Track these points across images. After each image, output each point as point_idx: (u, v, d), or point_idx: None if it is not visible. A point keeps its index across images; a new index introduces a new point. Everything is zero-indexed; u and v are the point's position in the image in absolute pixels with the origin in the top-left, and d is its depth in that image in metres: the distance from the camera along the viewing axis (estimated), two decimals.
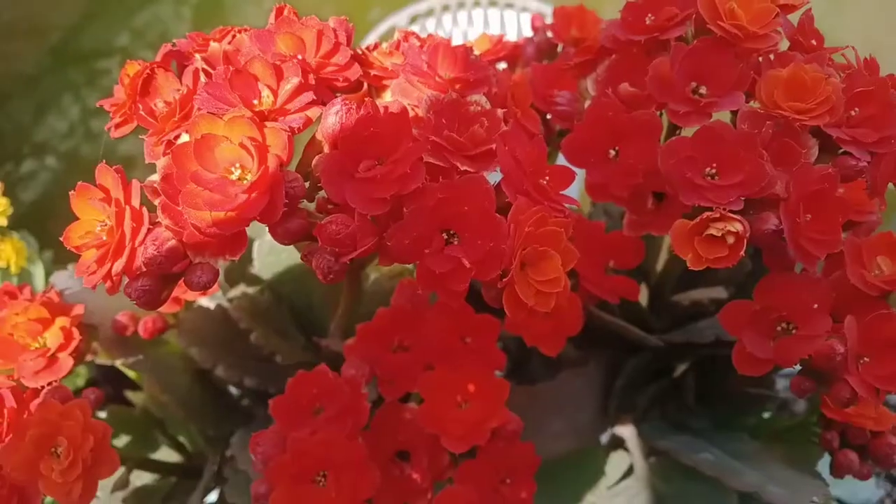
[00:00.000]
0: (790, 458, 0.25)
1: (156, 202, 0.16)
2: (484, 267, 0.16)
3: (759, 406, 0.27)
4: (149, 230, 0.15)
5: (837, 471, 0.24)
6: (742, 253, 0.17)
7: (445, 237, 0.16)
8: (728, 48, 0.18)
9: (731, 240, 0.17)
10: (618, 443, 0.28)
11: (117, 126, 0.19)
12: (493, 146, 0.17)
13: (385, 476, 0.19)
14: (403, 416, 0.20)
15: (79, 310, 0.22)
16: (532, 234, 0.16)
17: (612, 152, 0.19)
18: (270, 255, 0.28)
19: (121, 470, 0.27)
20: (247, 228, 0.15)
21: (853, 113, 0.18)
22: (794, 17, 0.22)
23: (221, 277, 0.30)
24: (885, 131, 0.18)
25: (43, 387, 0.21)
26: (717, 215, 0.17)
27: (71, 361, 0.21)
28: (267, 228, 0.29)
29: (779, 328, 0.18)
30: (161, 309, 0.25)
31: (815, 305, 0.18)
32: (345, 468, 0.18)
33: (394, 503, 0.19)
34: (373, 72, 0.19)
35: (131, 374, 0.30)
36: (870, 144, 0.18)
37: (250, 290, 0.27)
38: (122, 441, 0.29)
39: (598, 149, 0.19)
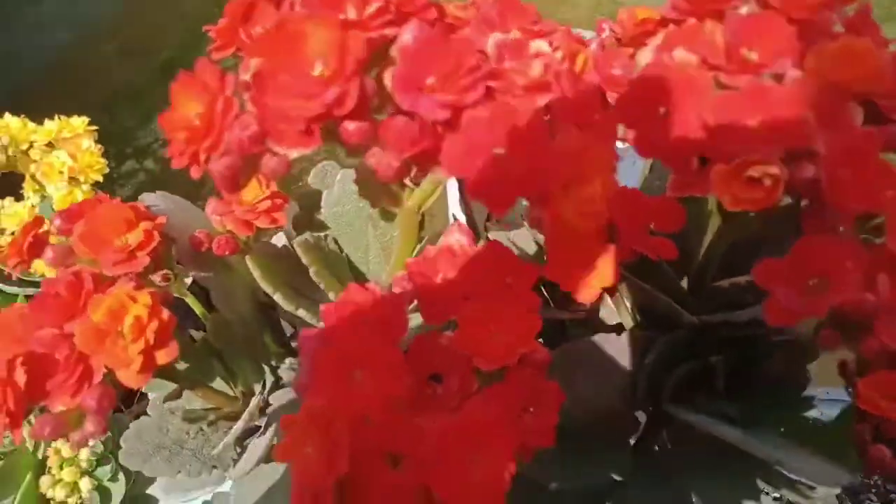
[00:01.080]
0: (820, 452, 0.25)
1: (245, 97, 0.18)
2: (527, 181, 0.17)
3: (791, 403, 0.27)
4: (236, 116, 0.17)
5: (869, 467, 0.24)
6: (778, 195, 0.17)
7: (496, 151, 0.17)
8: (781, 18, 0.20)
9: (768, 181, 0.18)
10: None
11: (217, 49, 0.22)
12: (548, 80, 0.18)
13: (418, 394, 0.20)
14: (439, 343, 0.22)
15: (162, 219, 0.25)
16: (577, 156, 0.17)
17: (662, 110, 0.21)
18: (337, 206, 0.30)
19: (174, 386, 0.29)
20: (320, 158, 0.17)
21: None
22: None
23: (289, 225, 0.33)
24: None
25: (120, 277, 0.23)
26: (757, 157, 0.17)
27: (147, 259, 0.23)
28: (337, 178, 0.31)
29: (811, 283, 0.19)
30: (234, 231, 0.27)
31: (849, 264, 0.18)
32: (380, 368, 0.19)
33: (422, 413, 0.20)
34: (447, 20, 0.21)
35: (198, 309, 0.32)
36: None
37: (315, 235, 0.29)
38: (180, 366, 0.32)
39: (648, 106, 0.21)
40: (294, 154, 0.18)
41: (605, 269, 0.22)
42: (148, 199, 0.28)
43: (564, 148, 0.17)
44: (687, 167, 0.21)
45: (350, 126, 0.17)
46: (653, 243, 0.23)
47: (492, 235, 0.30)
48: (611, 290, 0.24)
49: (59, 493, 0.40)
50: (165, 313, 0.22)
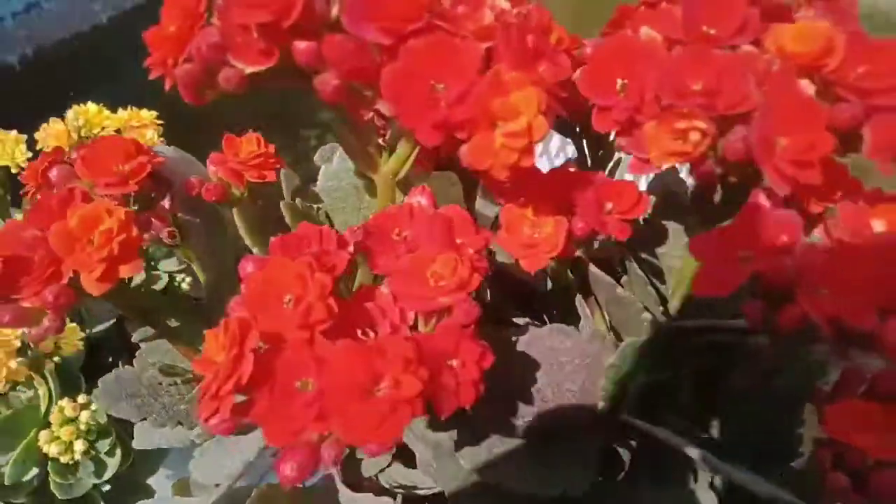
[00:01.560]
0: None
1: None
2: (457, 108, 0.18)
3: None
4: (202, 28, 0.19)
5: (827, 497, 0.21)
6: (703, 150, 0.17)
7: (431, 83, 0.18)
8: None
9: (694, 136, 0.17)
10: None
11: None
12: (494, 29, 0.19)
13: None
14: (378, 294, 0.22)
15: (159, 159, 0.27)
16: (504, 92, 0.18)
17: (619, 83, 0.21)
18: (332, 181, 0.31)
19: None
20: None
21: (860, 70, 0.18)
22: None
23: (288, 194, 0.34)
24: (886, 81, 0.18)
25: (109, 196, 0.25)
26: (685, 111, 0.17)
27: (136, 187, 0.25)
28: (336, 154, 0.33)
29: (741, 255, 0.18)
30: (227, 180, 0.29)
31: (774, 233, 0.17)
32: (307, 294, 0.20)
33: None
34: None
35: (201, 277, 0.34)
36: (867, 91, 0.18)
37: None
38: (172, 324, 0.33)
39: (607, 79, 0.21)
40: (249, 69, 0.19)
41: (551, 239, 0.22)
42: (158, 147, 0.31)
43: (495, 82, 0.18)
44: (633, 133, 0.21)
45: (300, 45, 0.19)
46: (607, 220, 0.22)
47: (477, 206, 0.30)
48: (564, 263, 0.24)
49: (53, 448, 0.41)
50: (135, 231, 0.23)
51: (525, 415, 0.27)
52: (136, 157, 0.26)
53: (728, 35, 0.19)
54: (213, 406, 0.19)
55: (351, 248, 0.22)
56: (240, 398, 0.19)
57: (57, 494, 0.45)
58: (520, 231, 0.22)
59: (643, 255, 0.29)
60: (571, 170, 0.24)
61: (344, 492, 0.30)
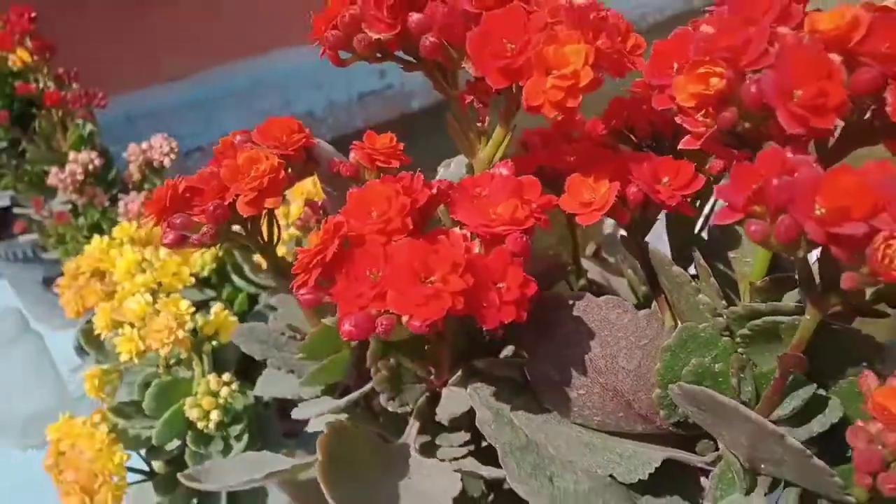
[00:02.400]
0: None
1: None
2: (519, 56, 0.22)
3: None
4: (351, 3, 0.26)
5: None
6: (723, 95, 0.20)
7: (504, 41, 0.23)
8: None
9: (714, 81, 0.20)
10: None
11: None
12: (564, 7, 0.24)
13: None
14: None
15: (314, 140, 0.34)
16: (558, 48, 0.22)
17: (675, 66, 0.24)
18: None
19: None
20: None
21: (882, 41, 0.20)
22: None
23: None
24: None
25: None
26: (706, 59, 0.20)
27: (292, 152, 0.32)
28: (453, 161, 0.38)
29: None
30: (361, 162, 0.35)
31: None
32: (389, 209, 0.25)
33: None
34: None
35: None
36: (888, 58, 0.20)
37: None
38: None
39: (665, 64, 0.24)
40: (376, 35, 0.26)
41: (607, 195, 0.25)
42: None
43: (551, 35, 0.22)
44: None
45: (413, 16, 0.25)
46: (660, 189, 0.25)
47: None
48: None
49: (193, 413, 0.48)
50: (282, 175, 0.30)
51: (578, 386, 0.28)
52: (298, 133, 0.33)
53: (769, 21, 0.22)
54: (304, 278, 0.24)
55: (434, 191, 0.27)
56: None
57: (189, 463, 0.51)
58: (580, 193, 0.26)
59: (720, 266, 0.30)
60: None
61: (415, 456, 0.33)
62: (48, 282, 1.09)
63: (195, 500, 0.54)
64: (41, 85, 0.96)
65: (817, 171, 0.18)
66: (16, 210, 1.16)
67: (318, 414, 0.33)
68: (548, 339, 0.28)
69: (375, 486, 0.29)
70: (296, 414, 0.34)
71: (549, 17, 0.23)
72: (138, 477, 0.54)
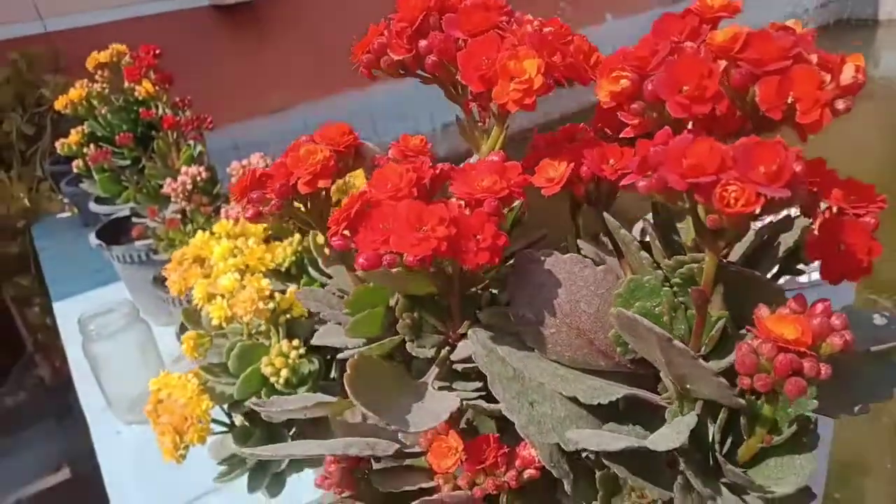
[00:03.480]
0: None
1: None
2: (491, 68, 0.31)
3: None
4: (383, 33, 0.36)
5: None
6: (631, 94, 0.27)
7: (484, 59, 0.32)
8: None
9: (623, 82, 0.28)
10: None
11: None
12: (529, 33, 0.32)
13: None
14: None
15: (361, 142, 0.43)
16: (518, 56, 0.30)
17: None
18: None
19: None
20: None
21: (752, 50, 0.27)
22: None
23: None
24: (766, 55, 0.26)
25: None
26: (619, 66, 0.28)
27: (342, 149, 0.42)
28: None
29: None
30: (397, 157, 0.44)
31: None
32: (398, 184, 0.33)
33: None
34: None
35: None
36: (755, 61, 0.27)
37: None
38: None
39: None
40: (397, 57, 0.35)
41: (564, 173, 0.33)
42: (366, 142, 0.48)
43: (513, 53, 0.31)
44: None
45: (422, 42, 0.34)
46: (605, 169, 0.32)
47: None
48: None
49: (267, 370, 0.58)
50: (332, 164, 0.40)
51: (549, 326, 0.36)
52: (348, 135, 0.43)
53: (679, 38, 0.30)
54: (335, 229, 0.33)
55: (438, 171, 0.35)
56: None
57: (263, 416, 0.61)
58: (546, 172, 0.34)
59: (673, 235, 0.37)
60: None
61: (431, 389, 0.41)
62: (157, 281, 1.25)
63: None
64: (160, 111, 1.13)
65: (688, 142, 0.26)
66: (134, 219, 1.34)
67: (356, 350, 0.42)
68: (524, 287, 0.36)
69: (393, 400, 0.37)
70: (341, 355, 0.43)
71: (516, 41, 0.32)
72: (221, 428, 0.65)
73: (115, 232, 1.46)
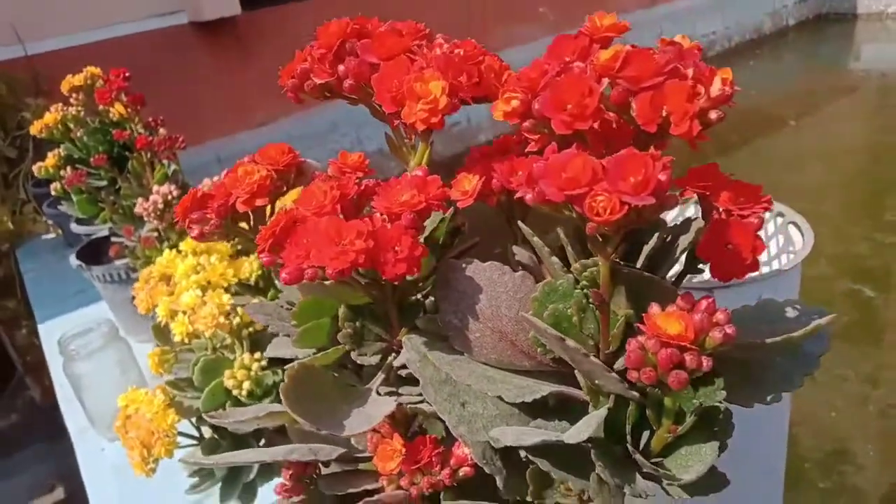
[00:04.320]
0: None
1: None
2: (400, 90, 0.33)
3: None
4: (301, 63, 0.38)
5: None
6: (522, 113, 0.30)
7: (395, 81, 0.34)
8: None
9: (514, 102, 0.30)
10: None
11: None
12: (437, 56, 0.34)
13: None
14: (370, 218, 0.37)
15: (301, 160, 0.45)
16: (425, 78, 0.32)
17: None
18: None
19: None
20: None
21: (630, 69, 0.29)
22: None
23: None
24: (642, 73, 0.29)
25: None
26: (511, 88, 0.30)
27: (283, 168, 0.44)
28: None
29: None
30: (335, 174, 0.47)
31: None
32: (322, 201, 0.35)
33: None
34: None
35: None
36: (633, 79, 0.29)
37: None
38: None
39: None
40: (319, 81, 0.37)
41: (476, 186, 0.35)
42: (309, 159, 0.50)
43: (420, 76, 0.33)
44: None
45: (340, 66, 0.36)
46: (512, 180, 0.35)
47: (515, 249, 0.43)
48: None
49: (230, 382, 0.60)
50: (267, 182, 0.42)
51: (474, 330, 0.38)
52: (288, 154, 0.45)
53: (569, 59, 0.32)
54: (262, 246, 0.35)
55: (363, 187, 0.37)
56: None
57: (228, 428, 0.63)
58: (461, 185, 0.36)
59: None
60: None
61: (374, 395, 0.43)
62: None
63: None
64: (134, 132, 1.15)
65: (566, 157, 0.28)
66: (113, 239, 1.36)
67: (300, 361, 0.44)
68: (449, 295, 0.38)
69: (333, 406, 0.39)
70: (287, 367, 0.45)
71: (424, 64, 0.34)
72: (191, 441, 0.66)
73: (95, 252, 1.48)
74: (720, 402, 0.35)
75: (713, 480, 0.36)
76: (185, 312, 0.61)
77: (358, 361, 0.45)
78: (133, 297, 1.30)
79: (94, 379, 1.12)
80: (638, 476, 0.35)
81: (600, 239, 0.29)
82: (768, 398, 0.39)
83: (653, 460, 0.35)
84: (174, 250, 0.75)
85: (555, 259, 0.35)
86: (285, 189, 0.45)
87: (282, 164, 0.44)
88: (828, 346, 0.39)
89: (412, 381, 0.45)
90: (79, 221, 1.63)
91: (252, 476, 0.66)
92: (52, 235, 2.14)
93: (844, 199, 3.36)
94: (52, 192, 1.30)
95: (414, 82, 0.32)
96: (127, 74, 1.08)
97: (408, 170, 0.41)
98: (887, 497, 1.71)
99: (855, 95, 4.90)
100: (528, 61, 0.34)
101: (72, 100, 1.27)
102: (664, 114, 0.29)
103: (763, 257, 0.65)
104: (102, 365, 1.11)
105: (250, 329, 0.64)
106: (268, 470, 0.68)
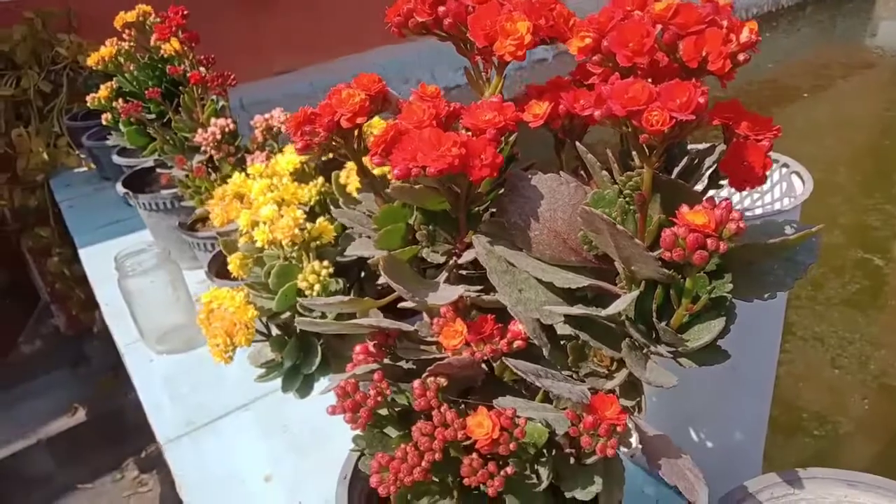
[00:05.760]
0: None
1: None
2: (493, 28, 0.42)
3: None
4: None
5: None
6: (592, 47, 0.38)
7: (488, 21, 0.43)
8: None
9: (587, 39, 0.39)
10: None
11: None
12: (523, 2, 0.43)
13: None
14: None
15: (387, 90, 0.54)
16: (513, 19, 0.41)
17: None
18: None
19: None
20: None
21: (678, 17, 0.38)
22: None
23: None
24: (688, 21, 0.37)
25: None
26: (584, 28, 0.39)
27: (373, 94, 0.53)
28: None
29: None
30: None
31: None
32: (422, 118, 0.44)
33: None
34: None
35: None
36: (680, 25, 0.37)
37: None
38: None
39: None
40: (420, 19, 0.45)
41: (546, 110, 0.44)
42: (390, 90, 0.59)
43: (508, 17, 0.41)
44: None
45: (441, 7, 0.44)
46: (577, 108, 0.43)
47: None
48: None
49: (303, 284, 0.69)
50: (367, 105, 0.50)
51: (534, 229, 0.47)
52: (377, 83, 0.54)
53: (630, 8, 0.40)
54: (375, 150, 0.44)
55: (451, 108, 0.46)
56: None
57: (297, 326, 0.73)
58: (532, 110, 0.45)
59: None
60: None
61: (442, 283, 0.53)
62: (182, 226, 1.36)
63: (299, 355, 0.76)
64: (187, 68, 1.22)
65: (628, 83, 0.37)
66: (159, 170, 1.44)
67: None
68: (515, 199, 0.47)
69: (416, 287, 0.49)
70: (371, 261, 0.55)
71: (512, 8, 0.42)
72: (259, 338, 0.76)
73: (139, 183, 1.57)
74: (727, 293, 0.44)
75: (717, 354, 0.46)
76: (264, 223, 0.71)
77: (429, 259, 0.54)
78: (179, 224, 1.40)
79: (146, 295, 1.23)
80: (659, 346, 0.45)
81: (648, 150, 0.38)
82: (765, 296, 0.48)
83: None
84: (243, 174, 0.84)
85: (604, 173, 0.44)
86: (375, 112, 0.53)
87: (374, 91, 0.53)
88: (816, 257, 0.48)
89: (470, 280, 0.55)
90: (120, 153, 1.71)
91: (313, 369, 0.76)
92: (84, 169, 2.23)
93: (856, 171, 3.44)
94: (104, 122, 1.38)
95: (504, 22, 0.41)
96: (185, 12, 1.15)
97: (482, 98, 0.50)
98: (874, 442, 1.85)
99: (869, 72, 4.91)
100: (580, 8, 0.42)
101: (124, 35, 1.35)
102: (703, 54, 0.37)
103: (767, 199, 0.74)
104: (155, 283, 1.21)
105: (317, 242, 0.73)
106: (324, 366, 0.78)
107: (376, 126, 0.68)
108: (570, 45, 0.40)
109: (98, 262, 1.61)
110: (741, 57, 0.37)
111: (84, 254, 1.68)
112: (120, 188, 1.48)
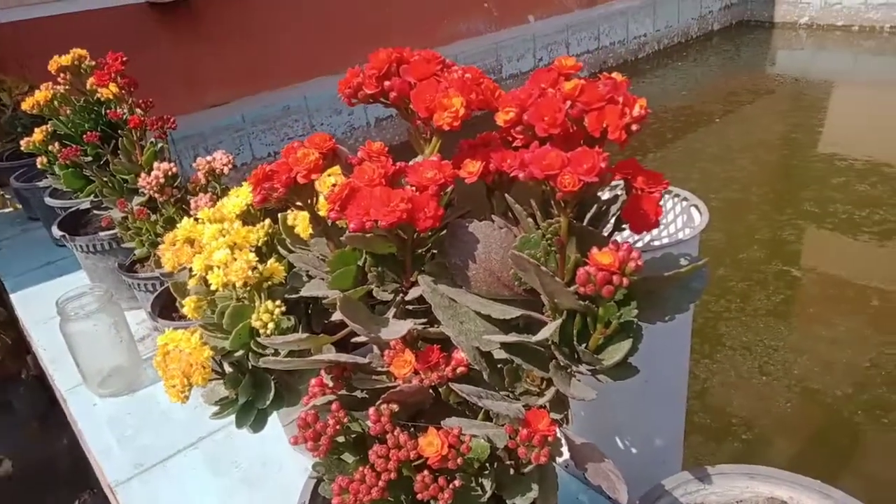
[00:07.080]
0: None
1: None
2: (432, 103, 0.49)
3: None
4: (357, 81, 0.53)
5: None
6: (515, 121, 0.46)
7: (427, 96, 0.50)
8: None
9: (511, 114, 0.47)
10: None
11: None
12: (454, 79, 0.50)
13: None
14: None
15: (337, 146, 0.61)
16: (448, 94, 0.49)
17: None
18: None
19: None
20: None
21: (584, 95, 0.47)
22: None
23: None
24: (592, 99, 0.46)
25: None
26: (508, 105, 0.47)
27: (325, 151, 0.59)
28: None
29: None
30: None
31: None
32: (371, 176, 0.51)
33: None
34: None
35: None
36: (585, 102, 0.46)
37: None
38: None
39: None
40: (369, 92, 0.52)
41: (478, 168, 0.51)
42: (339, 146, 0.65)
43: (445, 93, 0.49)
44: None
45: (387, 82, 0.52)
46: (506, 166, 0.51)
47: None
48: None
49: (257, 323, 0.74)
50: (321, 163, 0.57)
51: (472, 269, 0.55)
52: (329, 141, 0.60)
53: (546, 86, 0.49)
54: (332, 206, 0.51)
55: (396, 167, 0.53)
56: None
57: (252, 362, 0.77)
58: (467, 167, 0.52)
59: None
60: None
61: (391, 319, 0.59)
62: (122, 267, 1.37)
63: (253, 391, 0.80)
64: (126, 112, 1.25)
65: (546, 150, 0.45)
66: (95, 212, 1.45)
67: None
68: (455, 243, 0.54)
69: (369, 324, 0.55)
70: (326, 301, 0.61)
71: (447, 84, 0.50)
72: (213, 377, 0.80)
73: (72, 224, 1.56)
74: (633, 317, 0.53)
75: (628, 370, 0.54)
76: (218, 267, 0.75)
77: (378, 297, 0.61)
78: (119, 265, 1.40)
79: (89, 338, 1.23)
80: (580, 365, 0.53)
81: (563, 203, 0.46)
82: (666, 318, 0.57)
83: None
84: (192, 219, 0.88)
85: (530, 220, 0.52)
86: (326, 168, 0.60)
87: (325, 149, 0.59)
88: (706, 283, 0.57)
89: (416, 314, 0.62)
90: (52, 194, 1.70)
91: (266, 404, 0.81)
92: (9, 210, 2.17)
93: (769, 189, 3.72)
94: (39, 166, 1.38)
95: (441, 98, 0.49)
96: (124, 59, 1.18)
97: (422, 156, 0.57)
98: (796, 440, 2.02)
99: (772, 97, 5.32)
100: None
101: (59, 79, 1.36)
102: (604, 125, 0.46)
103: (671, 230, 0.84)
104: (99, 325, 1.22)
105: (269, 282, 0.78)
106: (278, 400, 0.82)
107: (325, 186, 0.74)
108: (497, 118, 0.48)
109: (33, 305, 1.58)
110: (634, 127, 0.46)
111: (16, 298, 1.65)
112: (56, 231, 1.47)
